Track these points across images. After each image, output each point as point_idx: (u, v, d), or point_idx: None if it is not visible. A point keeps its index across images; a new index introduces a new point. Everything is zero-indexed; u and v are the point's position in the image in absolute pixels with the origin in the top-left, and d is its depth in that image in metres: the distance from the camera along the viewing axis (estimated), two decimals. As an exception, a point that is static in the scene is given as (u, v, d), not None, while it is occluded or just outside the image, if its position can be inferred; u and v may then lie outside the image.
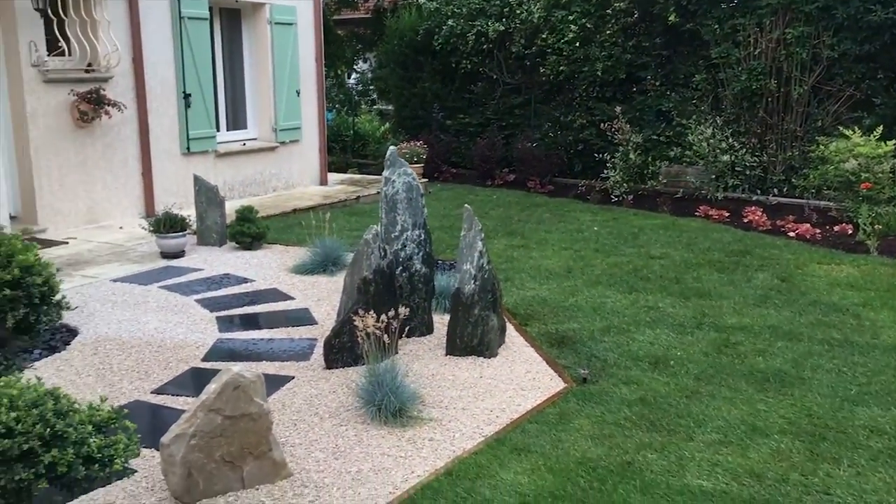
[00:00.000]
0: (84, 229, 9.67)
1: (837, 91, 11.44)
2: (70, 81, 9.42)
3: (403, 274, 6.05)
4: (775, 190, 11.63)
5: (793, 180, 11.52)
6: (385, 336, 4.83)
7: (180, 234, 8.49)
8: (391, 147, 6.02)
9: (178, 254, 8.49)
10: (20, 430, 2.26)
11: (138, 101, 10.20)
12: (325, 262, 7.93)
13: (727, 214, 10.69)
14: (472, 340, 5.64)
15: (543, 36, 13.79)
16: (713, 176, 11.80)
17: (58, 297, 2.56)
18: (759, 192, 11.68)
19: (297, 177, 12.75)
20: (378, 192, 12.40)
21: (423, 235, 6.08)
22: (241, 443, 3.88)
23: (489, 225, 10.18)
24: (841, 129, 10.75)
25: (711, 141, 11.77)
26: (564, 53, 13.61)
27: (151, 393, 5.07)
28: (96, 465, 2.31)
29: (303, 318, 6.55)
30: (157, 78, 10.45)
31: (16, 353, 5.69)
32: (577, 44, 13.43)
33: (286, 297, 7.12)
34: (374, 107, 20.37)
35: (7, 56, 9.03)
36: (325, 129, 13.42)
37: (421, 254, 6.10)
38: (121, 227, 9.84)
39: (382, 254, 5.58)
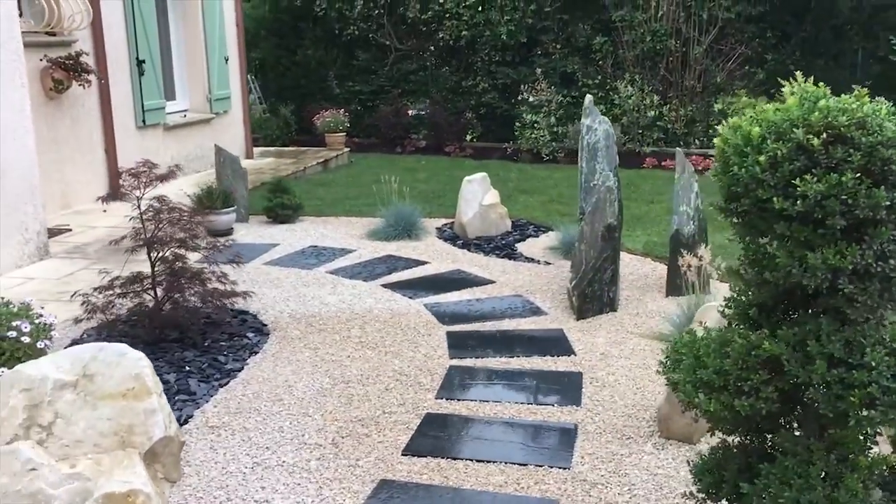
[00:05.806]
0: (62, 215, 8.38)
1: (730, 49, 12.81)
2: (41, 46, 8.08)
3: (602, 222, 6.13)
4: (697, 141, 12.79)
5: (705, 133, 12.71)
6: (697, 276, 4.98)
7: (231, 209, 7.73)
8: (588, 96, 6.03)
9: (228, 231, 7.71)
10: None
11: (99, 69, 8.93)
12: (408, 227, 7.62)
13: (679, 164, 11.59)
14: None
15: (441, 1, 13.86)
16: (639, 131, 12.71)
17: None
18: (680, 143, 12.77)
19: (228, 150, 11.79)
20: (318, 164, 11.89)
21: (616, 183, 6.17)
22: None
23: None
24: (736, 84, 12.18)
25: (632, 99, 12.68)
26: (464, 18, 13.80)
27: (452, 359, 4.79)
28: None
29: (468, 279, 6.36)
30: (112, 42, 9.21)
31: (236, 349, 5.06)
32: (479, 8, 13.70)
33: (418, 262, 6.82)
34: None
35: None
36: (248, 99, 12.54)
37: (616, 202, 6.19)
38: (104, 211, 8.63)
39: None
